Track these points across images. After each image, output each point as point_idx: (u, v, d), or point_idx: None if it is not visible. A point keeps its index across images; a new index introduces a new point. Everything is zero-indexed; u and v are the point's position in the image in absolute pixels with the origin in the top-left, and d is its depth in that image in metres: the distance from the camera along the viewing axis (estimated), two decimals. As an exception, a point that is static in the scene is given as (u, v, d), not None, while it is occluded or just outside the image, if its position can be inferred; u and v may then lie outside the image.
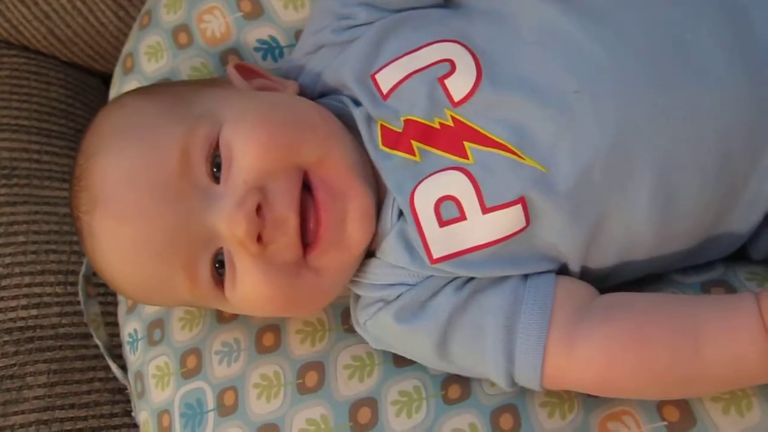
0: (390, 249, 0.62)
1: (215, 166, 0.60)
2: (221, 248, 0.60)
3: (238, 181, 0.59)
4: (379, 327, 0.64)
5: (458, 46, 0.61)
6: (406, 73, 0.62)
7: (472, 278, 0.61)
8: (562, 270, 0.61)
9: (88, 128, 0.66)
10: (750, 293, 0.55)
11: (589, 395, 0.60)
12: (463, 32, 0.63)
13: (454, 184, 0.59)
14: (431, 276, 0.61)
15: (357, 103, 0.65)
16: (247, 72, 0.70)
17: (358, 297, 0.66)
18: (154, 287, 0.64)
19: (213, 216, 0.59)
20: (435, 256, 0.60)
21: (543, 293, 0.59)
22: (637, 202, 0.58)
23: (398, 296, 0.62)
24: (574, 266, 0.61)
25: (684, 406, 0.57)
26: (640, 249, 0.60)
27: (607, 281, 0.63)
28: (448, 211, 0.59)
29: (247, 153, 0.59)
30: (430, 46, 0.62)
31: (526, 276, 0.60)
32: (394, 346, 0.65)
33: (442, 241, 0.60)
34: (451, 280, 0.61)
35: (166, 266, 0.61)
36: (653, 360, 0.55)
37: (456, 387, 0.65)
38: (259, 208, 0.58)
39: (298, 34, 0.78)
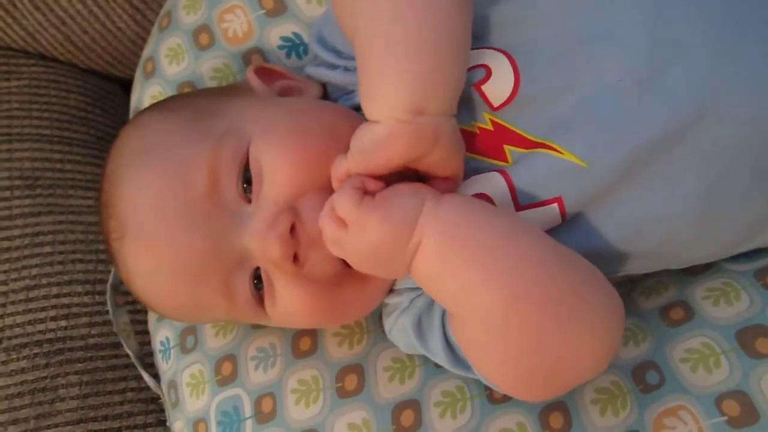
0: None
1: (245, 182, 0.58)
2: (258, 266, 0.59)
3: (269, 201, 0.57)
4: (403, 333, 0.63)
5: (492, 51, 0.59)
6: None
7: None
8: None
9: (110, 151, 0.65)
10: None
11: (642, 391, 0.58)
12: (495, 36, 0.60)
13: (489, 183, 0.58)
14: None
15: None
16: (267, 74, 0.69)
17: (383, 305, 0.65)
18: (191, 310, 0.63)
19: (245, 237, 0.58)
20: None
21: None
22: (676, 196, 0.56)
23: (411, 302, 0.62)
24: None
25: (744, 400, 0.55)
26: (682, 236, 0.58)
27: (650, 267, 0.61)
28: None
29: (278, 171, 0.57)
30: None
31: None
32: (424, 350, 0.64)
33: None
34: None
35: (202, 290, 0.60)
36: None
37: (501, 386, 0.63)
38: (293, 228, 0.56)
39: (322, 29, 0.76)
